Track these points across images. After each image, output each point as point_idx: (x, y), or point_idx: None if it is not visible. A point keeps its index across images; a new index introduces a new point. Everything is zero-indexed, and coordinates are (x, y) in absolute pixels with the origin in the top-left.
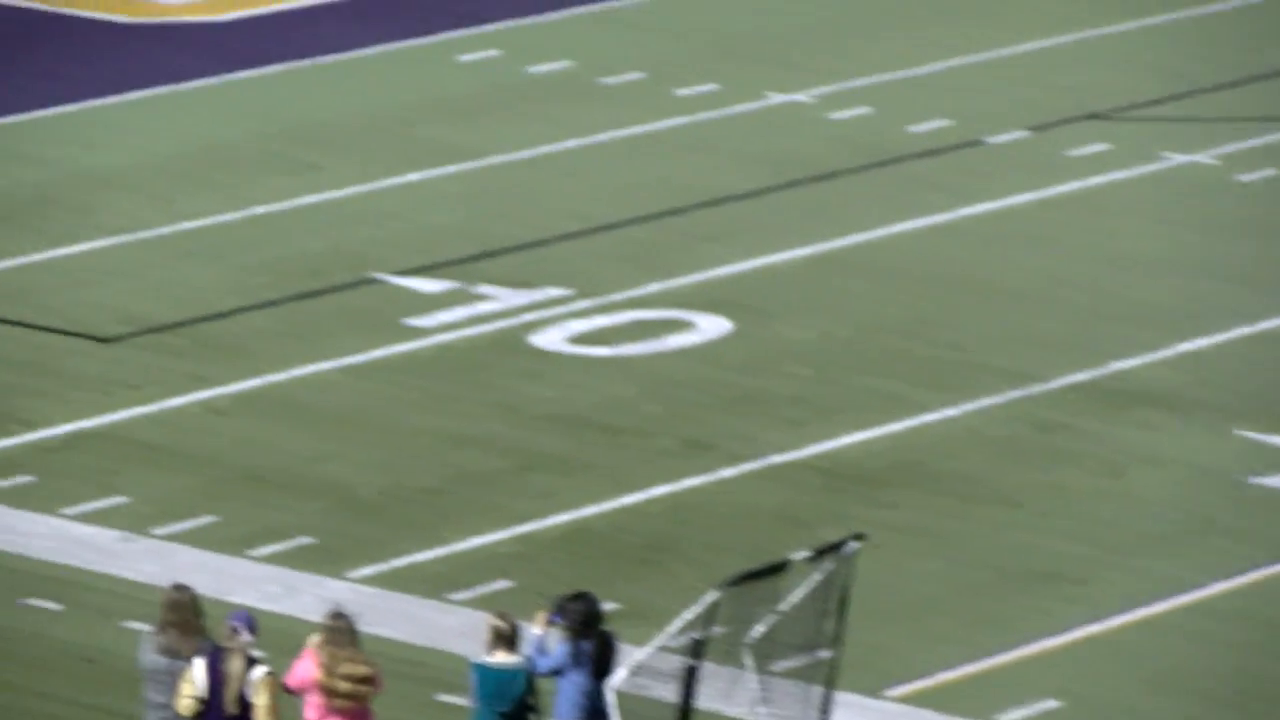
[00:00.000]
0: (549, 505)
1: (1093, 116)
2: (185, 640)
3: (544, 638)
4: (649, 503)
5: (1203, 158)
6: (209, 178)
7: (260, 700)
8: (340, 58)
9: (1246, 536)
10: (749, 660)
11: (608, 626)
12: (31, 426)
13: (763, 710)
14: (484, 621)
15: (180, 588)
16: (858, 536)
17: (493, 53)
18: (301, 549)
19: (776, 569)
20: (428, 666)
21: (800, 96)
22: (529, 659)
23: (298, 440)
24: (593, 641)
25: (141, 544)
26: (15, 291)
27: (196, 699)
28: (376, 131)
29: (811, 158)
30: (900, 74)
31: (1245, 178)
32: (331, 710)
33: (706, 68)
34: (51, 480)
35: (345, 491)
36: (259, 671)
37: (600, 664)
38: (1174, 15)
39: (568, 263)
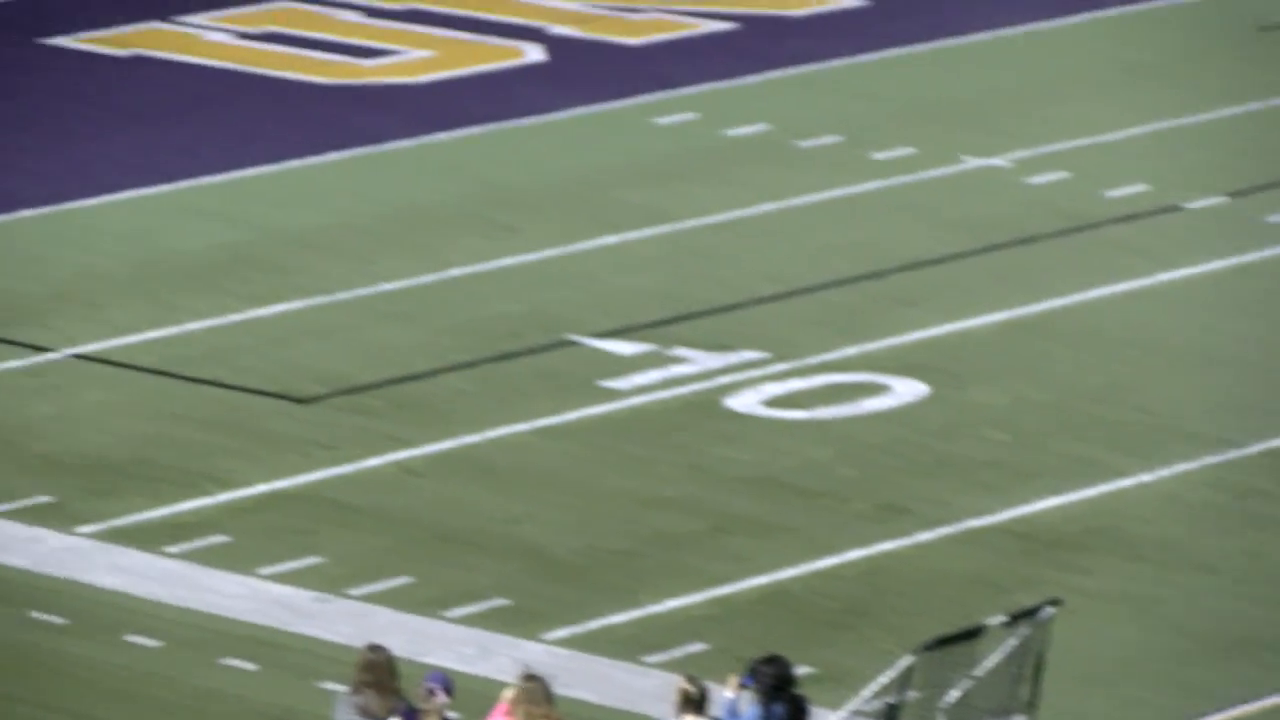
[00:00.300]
0: (743, 568)
1: None
2: (381, 701)
3: (736, 701)
4: (844, 566)
5: None
6: (407, 239)
7: None
8: (537, 120)
9: None
10: None
11: (800, 690)
12: (228, 486)
13: None
14: (673, 685)
15: (375, 648)
16: (1053, 602)
17: (690, 116)
18: (497, 610)
19: (972, 634)
20: None
21: (997, 161)
22: None
23: (493, 501)
24: (785, 705)
25: (337, 604)
26: (213, 351)
27: None
28: (573, 194)
29: (1008, 222)
30: (1097, 138)
31: None
32: None
33: (903, 131)
34: (248, 540)
35: (540, 553)
36: None
37: None
38: None
39: (763, 326)
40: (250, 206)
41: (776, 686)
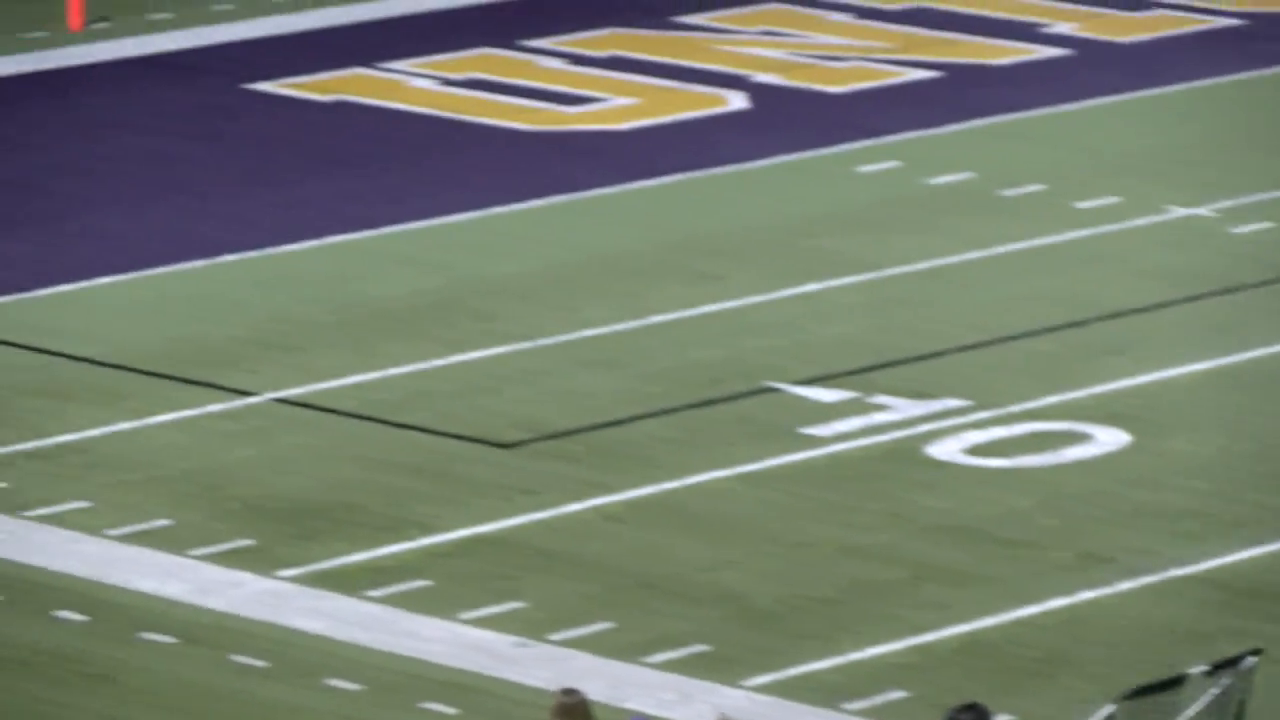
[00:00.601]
0: (944, 616)
1: None
2: None
3: None
4: (1044, 615)
5: None
6: (608, 286)
7: None
8: (740, 168)
9: None
10: None
11: None
12: (429, 531)
13: None
14: None
15: (570, 692)
16: (1255, 651)
17: (892, 164)
18: (697, 656)
19: (1173, 683)
20: None
21: (1201, 210)
22: None
23: (693, 547)
24: None
25: (537, 649)
26: (416, 396)
27: None
28: (776, 242)
29: (1212, 272)
30: None
31: None
32: None
33: (1107, 181)
34: (448, 585)
35: (741, 599)
36: None
37: None
38: None
39: (965, 374)
40: (452, 253)
41: None
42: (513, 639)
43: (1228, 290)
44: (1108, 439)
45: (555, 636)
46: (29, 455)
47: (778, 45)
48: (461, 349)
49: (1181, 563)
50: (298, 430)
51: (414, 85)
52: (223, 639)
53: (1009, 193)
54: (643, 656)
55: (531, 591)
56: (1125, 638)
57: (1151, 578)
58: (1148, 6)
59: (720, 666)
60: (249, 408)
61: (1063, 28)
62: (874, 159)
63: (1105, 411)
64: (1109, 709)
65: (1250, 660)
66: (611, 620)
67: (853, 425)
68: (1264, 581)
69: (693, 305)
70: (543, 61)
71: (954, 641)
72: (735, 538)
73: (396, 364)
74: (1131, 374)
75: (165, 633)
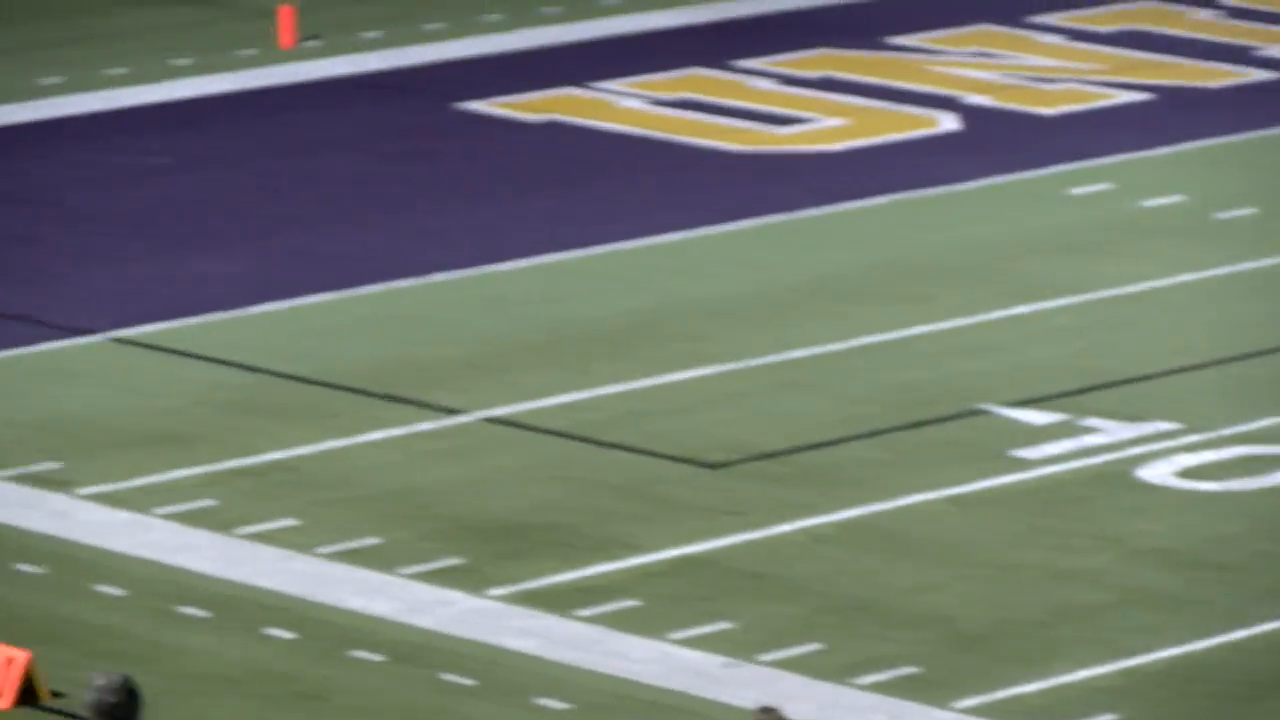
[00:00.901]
0: (1153, 640)
1: None
2: None
3: None
4: (1255, 639)
5: None
6: (817, 307)
7: None
8: (950, 190)
9: None
10: None
11: None
12: (638, 551)
13: None
14: None
15: (768, 711)
16: None
17: (1104, 187)
18: (906, 678)
19: None
20: None
21: None
22: None
23: (902, 570)
24: None
25: (746, 670)
26: (624, 416)
27: None
28: (986, 264)
29: None
30: None
31: None
32: None
33: None
34: (657, 605)
35: (949, 622)
36: None
37: None
38: None
39: (1176, 397)
40: (662, 273)
41: None
42: (721, 659)
43: None
44: None
45: (763, 657)
46: (238, 473)
47: (989, 66)
48: (670, 369)
49: None
50: (506, 449)
51: (624, 105)
52: (432, 657)
53: (1221, 216)
54: (851, 678)
55: (740, 612)
56: None
57: None
58: None
59: (928, 689)
60: (458, 427)
61: (1275, 51)
62: (1085, 181)
63: None
64: None
65: None
66: (820, 642)
67: (1063, 448)
68: None
69: (901, 327)
70: (753, 82)
71: (1163, 665)
72: (944, 560)
73: (605, 384)
74: None
75: (374, 651)
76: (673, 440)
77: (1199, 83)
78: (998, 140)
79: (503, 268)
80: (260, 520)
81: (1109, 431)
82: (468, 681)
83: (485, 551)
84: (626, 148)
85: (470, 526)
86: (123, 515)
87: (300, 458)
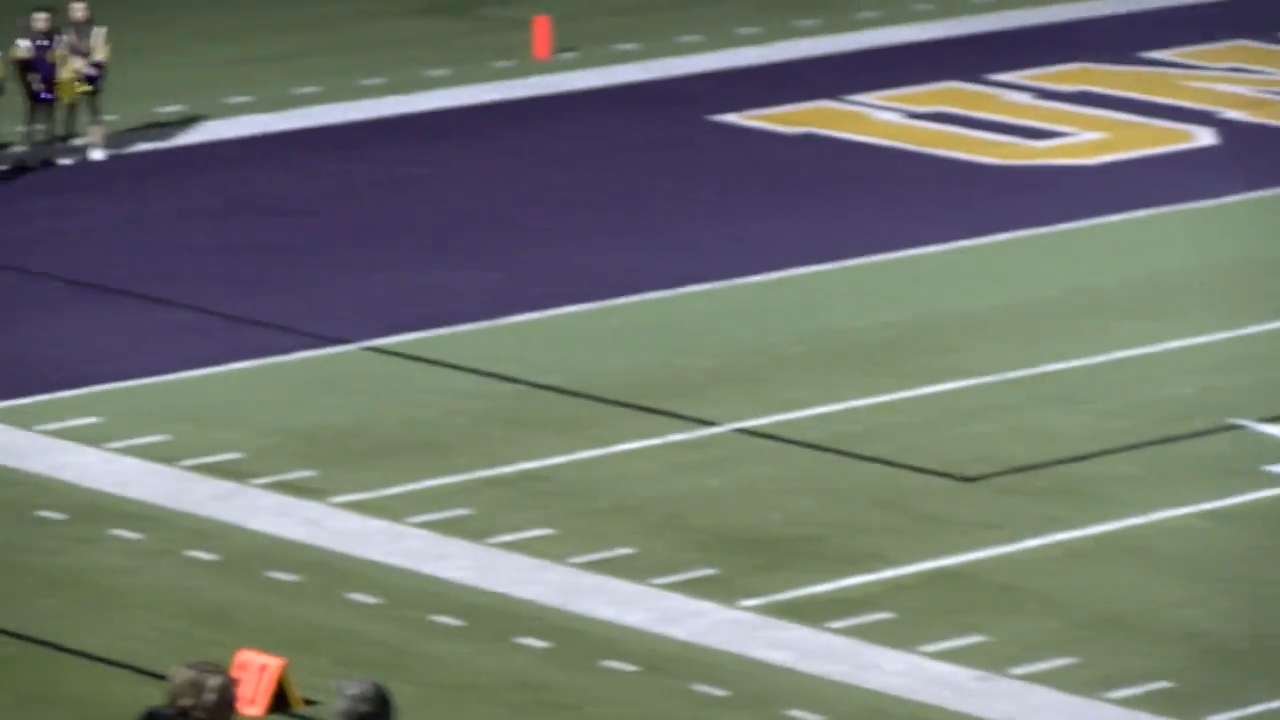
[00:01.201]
0: None
1: None
2: None
3: None
4: None
5: None
6: (1072, 321)
7: None
8: (1207, 204)
9: None
10: None
11: None
12: (891, 563)
13: None
14: None
15: None
16: None
17: None
18: (1158, 693)
19: None
20: None
21: None
22: None
23: (1156, 584)
24: None
25: (998, 683)
26: (877, 429)
27: None
28: (1242, 278)
29: None
30: None
31: None
32: None
33: None
34: (910, 618)
35: (1204, 637)
36: None
37: None
38: None
39: None
40: (916, 286)
41: None
42: (974, 673)
43: None
44: None
45: (1015, 671)
46: (492, 482)
47: (1246, 81)
48: (924, 382)
49: None
50: (760, 461)
51: (879, 118)
52: (684, 668)
53: None
54: (1103, 692)
55: (992, 625)
56: None
57: None
58: None
59: (1182, 704)
60: (712, 438)
61: None
62: None
63: None
64: None
65: None
66: (1072, 656)
67: None
68: None
69: (1157, 341)
70: (1009, 95)
71: None
72: (1197, 575)
73: (859, 396)
74: None
75: (627, 661)
76: (926, 453)
77: None
78: (1254, 155)
79: (756, 280)
80: (514, 530)
81: None
82: (720, 692)
83: (738, 562)
84: (881, 160)
85: (723, 537)
86: (377, 523)
87: (554, 467)
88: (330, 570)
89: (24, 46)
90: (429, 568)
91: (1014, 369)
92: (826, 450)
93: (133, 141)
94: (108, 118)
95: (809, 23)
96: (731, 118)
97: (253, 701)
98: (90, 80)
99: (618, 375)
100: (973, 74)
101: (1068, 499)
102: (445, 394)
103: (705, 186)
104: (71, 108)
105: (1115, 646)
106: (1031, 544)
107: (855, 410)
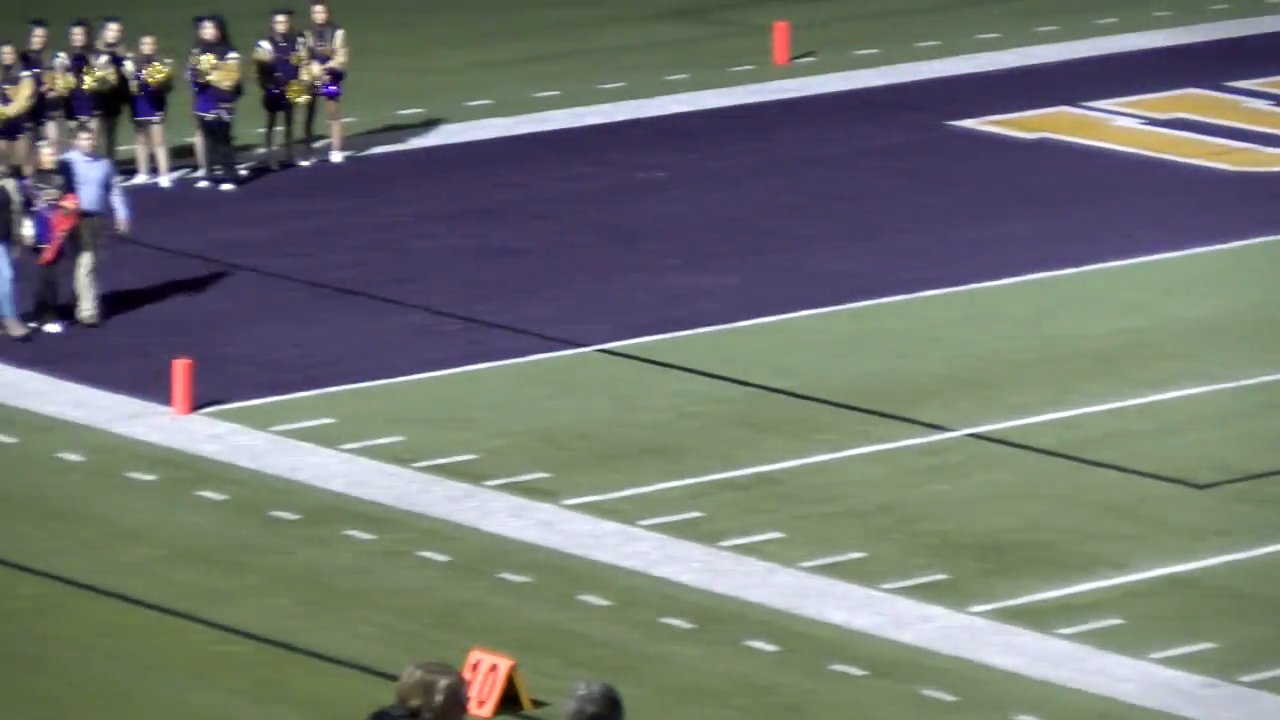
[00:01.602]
0: None
1: None
2: None
3: None
4: None
5: None
6: None
7: None
8: None
9: None
10: None
11: None
12: (1121, 569)
13: None
14: None
15: None
16: None
17: None
18: None
19: None
20: None
21: None
22: None
23: None
24: None
25: (1226, 690)
26: (1112, 435)
27: None
28: None
29: None
30: None
31: None
32: None
33: None
34: (1140, 624)
35: None
36: None
37: None
38: None
39: None
40: (1152, 292)
41: None
42: (1202, 679)
43: None
44: None
45: (1244, 678)
46: (723, 485)
47: None
48: (1158, 389)
49: None
50: (992, 466)
51: (1117, 124)
52: (912, 672)
53: None
54: None
55: (1223, 632)
56: None
57: None
58: None
59: None
60: (944, 443)
61: None
62: None
63: None
64: None
65: None
66: None
67: None
68: None
69: None
70: (1249, 103)
71: None
72: None
73: (1092, 402)
74: None
75: (855, 664)
76: (1159, 459)
77: None
78: None
79: (992, 285)
80: (744, 533)
81: None
82: (948, 697)
83: (969, 568)
84: (1118, 167)
85: (953, 542)
86: (609, 526)
87: (785, 471)
88: (562, 572)
89: (266, 49)
90: (661, 570)
91: (1249, 375)
92: (1059, 456)
93: (371, 144)
94: (346, 120)
95: (1048, 28)
96: (969, 123)
97: (482, 704)
98: (330, 96)
99: (851, 380)
100: (1213, 81)
101: None
102: (678, 397)
103: (942, 192)
104: (311, 110)
105: None
106: (1264, 551)
107: (1088, 416)
